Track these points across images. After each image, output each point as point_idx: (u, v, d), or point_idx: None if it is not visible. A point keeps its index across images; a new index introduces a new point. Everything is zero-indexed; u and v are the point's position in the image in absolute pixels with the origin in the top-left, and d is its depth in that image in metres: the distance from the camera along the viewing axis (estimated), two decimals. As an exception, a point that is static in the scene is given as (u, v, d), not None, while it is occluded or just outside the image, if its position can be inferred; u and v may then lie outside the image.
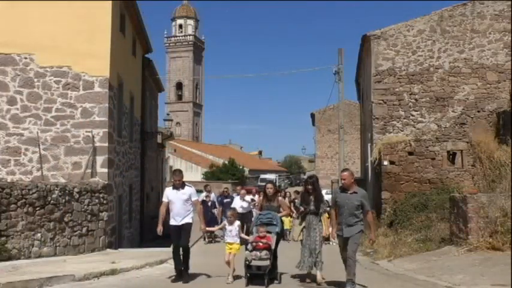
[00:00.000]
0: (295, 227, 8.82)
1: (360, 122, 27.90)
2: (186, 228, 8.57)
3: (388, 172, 16.09)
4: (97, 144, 13.07)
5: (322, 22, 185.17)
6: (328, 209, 8.65)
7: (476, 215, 9.71)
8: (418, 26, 17.77)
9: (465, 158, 15.82)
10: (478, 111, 17.25)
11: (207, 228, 9.09)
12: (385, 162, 16.16)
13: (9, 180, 11.56)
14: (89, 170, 12.96)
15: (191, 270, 8.94)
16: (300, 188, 28.82)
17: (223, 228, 8.95)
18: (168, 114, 31.96)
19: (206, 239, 16.28)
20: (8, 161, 12.97)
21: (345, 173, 7.79)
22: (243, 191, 16.35)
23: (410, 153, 16.06)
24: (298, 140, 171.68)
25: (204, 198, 17.04)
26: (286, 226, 16.46)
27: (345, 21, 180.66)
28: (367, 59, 19.42)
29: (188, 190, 8.63)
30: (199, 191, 18.46)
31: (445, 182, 15.54)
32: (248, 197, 15.81)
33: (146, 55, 20.06)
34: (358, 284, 7.57)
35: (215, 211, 16.71)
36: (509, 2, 17.22)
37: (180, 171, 8.91)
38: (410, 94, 17.63)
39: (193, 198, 8.70)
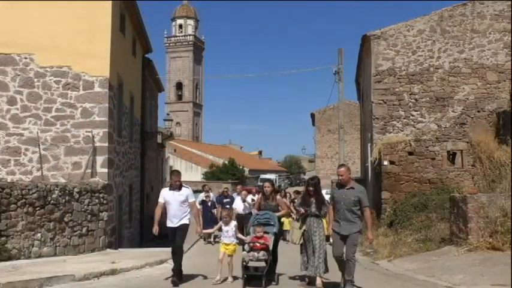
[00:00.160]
0: (295, 229, 8.57)
1: (360, 122, 27.90)
2: (181, 228, 8.39)
3: (388, 172, 16.09)
4: (97, 144, 13.08)
5: (322, 22, 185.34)
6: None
7: (476, 215, 9.71)
8: (418, 26, 17.76)
9: (465, 158, 15.82)
10: (478, 111, 17.25)
11: (204, 231, 8.91)
12: (385, 162, 16.16)
13: (9, 180, 11.56)
14: (89, 170, 12.96)
15: (190, 270, 8.94)
16: (300, 188, 28.85)
17: (219, 229, 8.80)
18: (168, 114, 31.96)
19: (206, 239, 16.25)
20: (8, 161, 12.97)
21: (342, 169, 7.67)
22: (244, 192, 16.16)
23: (410, 153, 16.06)
24: (298, 140, 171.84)
25: (204, 199, 17.04)
26: (286, 227, 16.45)
27: (345, 21, 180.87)
28: (367, 59, 19.42)
29: (185, 191, 8.46)
30: (199, 191, 18.54)
31: (445, 182, 15.53)
32: (249, 198, 15.58)
33: (146, 55, 20.07)
34: (356, 286, 7.50)
35: (215, 211, 16.65)
36: (509, 2, 17.21)
37: (178, 172, 8.77)
38: (410, 94, 17.63)
39: (190, 200, 8.52)
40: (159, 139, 24.74)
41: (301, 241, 8.36)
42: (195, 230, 8.79)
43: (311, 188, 8.34)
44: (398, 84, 17.67)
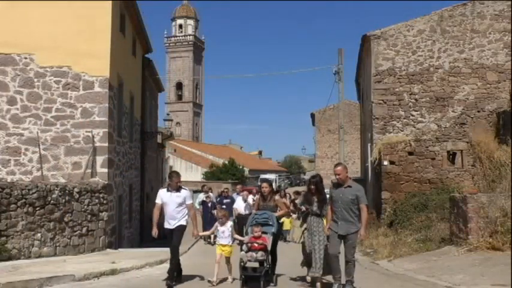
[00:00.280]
0: (296, 228, 8.52)
1: (360, 122, 27.90)
2: (178, 229, 8.25)
3: (388, 172, 16.09)
4: (97, 144, 13.08)
5: (322, 22, 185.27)
6: None
7: (476, 215, 9.71)
8: (418, 26, 17.77)
9: (465, 158, 15.82)
10: (478, 111, 17.26)
11: (200, 233, 8.74)
12: (385, 162, 16.16)
13: (9, 180, 11.57)
14: (89, 170, 12.97)
15: (190, 270, 8.93)
16: (300, 188, 28.83)
17: (215, 231, 8.62)
18: (168, 114, 31.95)
19: (205, 239, 16.24)
20: (8, 161, 12.98)
21: (339, 168, 7.57)
22: (245, 192, 16.11)
23: (410, 153, 16.06)
24: (298, 140, 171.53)
25: (204, 199, 17.02)
26: (287, 227, 16.43)
27: (345, 21, 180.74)
28: (367, 59, 19.43)
29: (183, 193, 8.30)
30: (199, 191, 18.54)
31: (445, 182, 15.54)
32: (250, 198, 15.52)
33: (146, 55, 20.08)
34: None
35: (215, 212, 16.55)
36: (509, 2, 17.22)
37: (178, 174, 8.58)
38: (410, 94, 17.64)
39: (188, 202, 8.36)
40: (159, 139, 24.75)
41: (302, 239, 8.27)
42: (191, 232, 8.62)
43: (312, 187, 8.22)
44: (398, 84, 17.68)
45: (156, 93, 25.22)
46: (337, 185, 7.60)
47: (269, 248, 7.94)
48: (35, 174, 12.91)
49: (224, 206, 15.44)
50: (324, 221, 8.16)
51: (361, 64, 23.07)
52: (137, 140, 18.59)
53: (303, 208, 8.31)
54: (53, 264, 9.63)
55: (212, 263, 8.41)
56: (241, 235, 10.24)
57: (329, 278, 8.05)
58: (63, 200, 11.27)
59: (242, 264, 7.75)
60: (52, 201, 10.92)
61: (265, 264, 7.83)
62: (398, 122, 17.60)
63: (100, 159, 13.11)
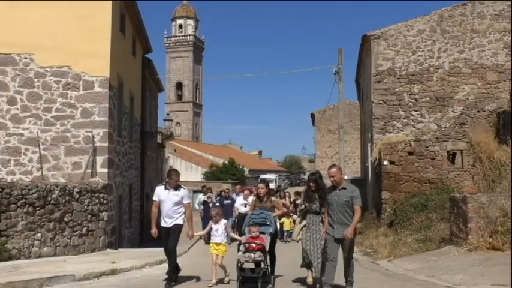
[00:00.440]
0: (297, 226, 8.42)
1: (360, 122, 27.90)
2: (174, 229, 8.14)
3: (388, 172, 16.09)
4: (97, 144, 13.08)
5: (323, 22, 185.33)
6: None
7: (476, 215, 9.70)
8: (418, 26, 17.77)
9: (465, 158, 15.82)
10: (478, 111, 17.25)
11: (195, 234, 8.53)
12: (385, 162, 16.16)
13: (9, 180, 11.57)
14: (89, 170, 12.97)
15: (190, 270, 8.93)
16: (300, 188, 28.82)
17: (209, 230, 8.45)
18: (168, 114, 31.96)
19: (206, 240, 16.22)
20: (8, 161, 12.98)
21: (333, 169, 7.34)
22: (246, 192, 16.10)
23: (410, 153, 16.06)
24: (298, 140, 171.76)
25: (205, 199, 17.02)
26: (287, 227, 16.45)
27: (345, 21, 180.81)
28: (367, 59, 19.43)
29: (181, 192, 8.17)
30: (199, 191, 18.53)
31: (445, 182, 15.53)
32: (251, 198, 15.48)
33: (146, 55, 20.07)
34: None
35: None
36: (509, 2, 17.21)
37: (177, 172, 8.47)
38: (410, 94, 17.64)
39: (185, 201, 8.23)
40: (159, 139, 24.74)
41: (300, 236, 8.10)
42: (186, 233, 8.43)
43: (312, 184, 8.04)
44: (398, 84, 17.67)
45: (156, 93, 25.22)
46: (331, 188, 7.44)
47: (267, 248, 7.79)
48: (35, 174, 12.91)
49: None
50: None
51: (361, 64, 23.06)
52: (137, 140, 18.59)
53: (302, 206, 8.19)
54: (53, 264, 9.63)
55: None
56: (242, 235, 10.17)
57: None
58: (63, 200, 11.27)
59: (239, 265, 7.59)
60: (52, 201, 10.92)
61: (262, 265, 7.68)
62: (398, 122, 17.60)
63: (100, 159, 13.11)
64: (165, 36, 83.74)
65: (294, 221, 10.84)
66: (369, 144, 18.71)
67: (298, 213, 8.62)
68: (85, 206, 12.01)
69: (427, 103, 17.53)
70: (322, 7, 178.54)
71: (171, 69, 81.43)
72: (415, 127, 17.52)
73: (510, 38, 17.18)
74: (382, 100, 17.71)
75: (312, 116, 49.14)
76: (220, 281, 8.21)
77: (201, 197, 17.78)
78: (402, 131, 17.45)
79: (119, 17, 14.72)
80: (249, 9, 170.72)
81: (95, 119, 13.14)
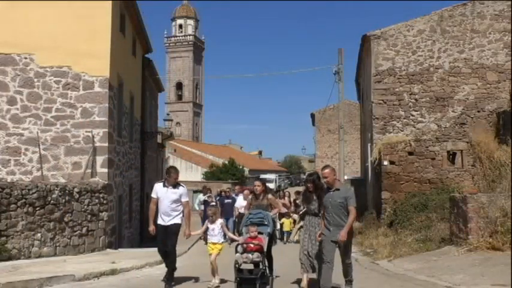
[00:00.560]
0: (294, 226, 8.34)
1: (360, 122, 27.90)
2: (172, 229, 8.02)
3: (388, 172, 16.09)
4: (97, 144, 13.08)
5: (323, 22, 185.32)
6: None
7: (476, 215, 9.70)
8: (418, 26, 17.77)
9: (465, 158, 15.82)
10: (478, 111, 17.26)
11: (192, 233, 8.39)
12: (385, 162, 16.16)
13: (9, 180, 11.57)
14: (89, 170, 12.97)
15: (190, 270, 8.92)
16: (300, 188, 28.82)
17: (205, 229, 8.31)
18: (168, 114, 31.96)
19: (206, 240, 16.22)
20: (8, 161, 12.98)
21: (326, 170, 7.19)
22: (246, 191, 16.09)
23: (410, 153, 16.07)
24: (298, 140, 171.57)
25: (206, 199, 17.02)
26: (286, 228, 16.44)
27: (345, 21, 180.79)
28: (367, 59, 19.43)
29: (180, 190, 8.07)
30: (199, 191, 18.52)
31: (445, 182, 15.54)
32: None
33: (146, 55, 20.08)
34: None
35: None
36: (509, 2, 17.22)
37: (176, 169, 8.32)
38: (410, 94, 17.64)
39: (184, 199, 8.12)
40: (159, 139, 24.74)
41: (297, 237, 8.09)
42: (183, 232, 8.27)
43: (309, 185, 7.94)
44: (398, 84, 17.68)
45: (156, 93, 25.22)
46: (326, 189, 7.32)
47: (265, 248, 7.63)
48: (35, 174, 12.91)
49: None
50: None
51: (361, 64, 23.07)
52: (137, 140, 18.60)
53: (301, 207, 8.11)
54: (53, 264, 9.63)
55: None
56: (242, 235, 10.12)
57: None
58: (63, 200, 11.27)
59: (237, 266, 7.45)
60: (52, 201, 10.92)
61: (261, 266, 7.51)
62: (398, 122, 17.60)
63: (100, 159, 13.11)
64: (165, 36, 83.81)
65: (295, 221, 10.81)
66: (369, 144, 18.72)
67: (297, 214, 8.54)
68: (85, 206, 12.01)
69: (427, 103, 17.53)
70: (322, 7, 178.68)
71: (171, 69, 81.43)
72: (415, 127, 17.52)
73: (510, 38, 17.18)
74: (382, 100, 17.72)
75: (312, 116, 49.13)
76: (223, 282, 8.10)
77: (201, 197, 17.79)
78: (402, 131, 17.46)
79: (119, 17, 14.72)
80: (249, 9, 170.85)
81: (95, 119, 13.14)
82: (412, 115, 17.58)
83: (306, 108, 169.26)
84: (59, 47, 13.09)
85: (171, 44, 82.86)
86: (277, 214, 14.32)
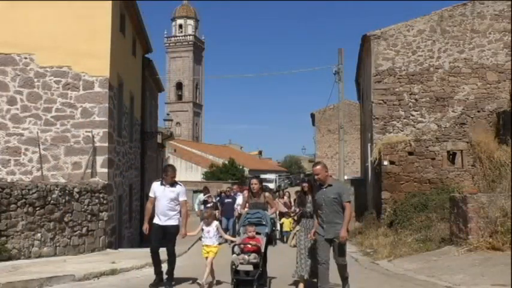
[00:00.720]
0: (291, 230, 8.15)
1: (360, 122, 27.91)
2: (171, 231, 7.90)
3: (388, 172, 16.09)
4: (97, 144, 13.08)
5: (323, 22, 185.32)
6: None
7: (476, 215, 9.70)
8: (418, 26, 17.78)
9: (465, 158, 15.83)
10: (478, 111, 17.27)
11: (188, 233, 8.09)
12: (385, 162, 16.17)
13: (9, 180, 11.56)
14: (89, 170, 12.96)
15: (190, 270, 8.91)
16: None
17: (200, 231, 8.12)
18: (168, 114, 31.97)
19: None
20: (8, 161, 12.97)
21: (318, 167, 7.04)
22: (245, 191, 16.03)
23: (410, 153, 16.07)
24: (298, 140, 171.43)
25: (206, 199, 17.01)
26: (286, 228, 16.42)
27: (345, 21, 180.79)
28: (367, 59, 19.43)
29: (177, 189, 7.92)
30: (199, 191, 18.51)
31: (445, 182, 15.54)
32: None
33: (146, 55, 20.07)
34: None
35: (216, 212, 16.47)
36: (509, 2, 17.22)
37: (173, 168, 8.22)
38: (410, 94, 17.64)
39: (181, 198, 7.97)
40: (159, 139, 24.74)
41: (294, 242, 7.89)
42: (180, 232, 8.09)
43: (305, 184, 7.80)
44: (398, 84, 17.68)
45: (156, 93, 25.22)
46: (318, 187, 7.15)
47: (262, 249, 7.48)
48: (35, 174, 12.91)
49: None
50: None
51: (361, 64, 23.07)
52: (137, 140, 18.60)
53: (297, 210, 8.00)
54: (53, 264, 9.63)
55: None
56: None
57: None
58: (63, 200, 11.27)
59: (234, 267, 7.31)
60: (52, 201, 10.92)
61: (257, 267, 7.33)
62: (398, 122, 17.61)
63: (100, 159, 13.11)
64: (165, 36, 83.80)
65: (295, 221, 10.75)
66: (369, 144, 18.72)
67: (291, 216, 8.38)
68: (85, 206, 12.01)
69: (427, 103, 17.54)
70: (322, 7, 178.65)
71: (171, 69, 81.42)
72: (415, 127, 17.52)
73: (510, 38, 17.18)
74: (382, 100, 17.72)
75: (312, 116, 49.12)
76: (212, 283, 7.99)
77: (201, 197, 17.79)
78: (402, 131, 17.47)
79: (119, 17, 14.72)
80: (249, 9, 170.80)
81: (95, 119, 13.14)
82: (412, 115, 17.58)
83: (306, 108, 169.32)
84: (59, 47, 13.09)
85: (171, 44, 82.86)
86: (278, 214, 14.41)
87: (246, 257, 7.30)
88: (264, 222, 7.74)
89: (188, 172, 52.32)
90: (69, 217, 11.47)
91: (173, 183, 7.94)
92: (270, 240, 8.13)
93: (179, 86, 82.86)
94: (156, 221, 7.94)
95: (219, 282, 8.13)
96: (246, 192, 16.16)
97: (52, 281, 7.99)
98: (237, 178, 48.91)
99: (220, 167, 53.34)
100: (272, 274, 8.31)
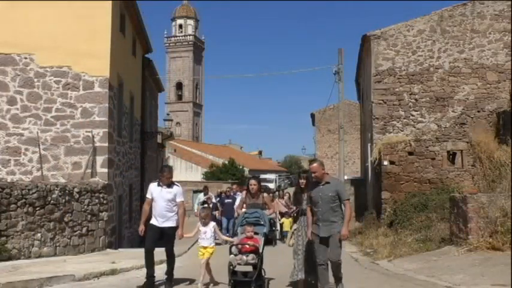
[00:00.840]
0: (289, 230, 8.07)
1: (360, 122, 27.91)
2: (169, 232, 7.84)
3: (388, 172, 16.10)
4: (97, 144, 13.08)
5: (323, 22, 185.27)
6: None
7: (476, 215, 9.70)
8: (418, 26, 17.78)
9: (465, 158, 15.83)
10: (478, 111, 17.27)
11: (185, 235, 8.03)
12: (385, 162, 16.17)
13: (9, 180, 11.57)
14: (89, 170, 12.97)
15: (190, 271, 8.91)
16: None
17: (198, 231, 8.03)
18: (168, 114, 31.97)
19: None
20: (8, 161, 12.98)
21: (314, 165, 6.93)
22: (243, 192, 16.02)
23: (410, 153, 16.07)
24: (298, 140, 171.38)
25: (205, 199, 17.00)
26: (286, 228, 16.41)
27: (345, 21, 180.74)
28: (367, 59, 19.43)
29: (174, 189, 7.82)
30: (199, 191, 18.50)
31: (445, 182, 15.54)
32: None
33: (146, 55, 20.09)
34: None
35: (216, 213, 16.46)
36: (509, 2, 17.23)
37: (170, 168, 8.15)
38: (410, 94, 17.65)
39: (178, 199, 7.88)
40: (159, 139, 24.75)
41: (293, 241, 7.79)
42: (176, 232, 8.01)
43: (302, 181, 7.65)
44: (398, 84, 17.69)
45: (156, 93, 25.23)
46: (314, 184, 7.03)
47: (261, 250, 7.32)
48: (35, 174, 12.91)
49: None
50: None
51: (361, 64, 23.07)
52: (137, 140, 18.60)
53: (293, 208, 7.93)
54: (53, 264, 9.63)
55: (211, 262, 8.11)
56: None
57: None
58: (63, 200, 11.27)
59: (231, 268, 7.18)
60: (52, 201, 10.92)
61: (255, 268, 7.19)
62: (398, 122, 17.61)
63: (100, 159, 13.11)
64: (165, 36, 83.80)
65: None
66: (369, 144, 18.72)
67: (290, 216, 8.27)
68: (85, 206, 12.01)
69: (427, 103, 17.54)
70: (322, 7, 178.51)
71: (171, 69, 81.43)
72: (415, 127, 17.53)
73: (510, 38, 17.19)
74: (382, 100, 17.72)
75: (312, 116, 49.11)
76: (208, 285, 7.94)
77: (201, 197, 17.78)
78: (402, 131, 17.47)
79: (119, 17, 14.72)
80: (249, 9, 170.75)
81: (95, 119, 13.14)
82: (412, 115, 17.59)
83: (306, 108, 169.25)
84: (59, 47, 13.10)
85: (171, 44, 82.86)
86: (278, 214, 14.40)
87: (244, 257, 7.17)
88: (262, 222, 7.64)
89: (188, 172, 52.33)
90: (69, 217, 11.47)
91: (170, 184, 7.84)
92: (269, 240, 8.07)
93: (179, 86, 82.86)
94: (153, 222, 7.85)
95: (216, 283, 8.07)
96: (244, 192, 16.19)
97: (52, 281, 7.99)
98: (237, 178, 48.88)
99: (220, 167, 53.32)
100: (272, 274, 8.26)
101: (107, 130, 13.19)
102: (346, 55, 34.43)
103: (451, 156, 16.02)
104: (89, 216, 12.15)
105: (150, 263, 7.88)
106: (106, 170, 13.13)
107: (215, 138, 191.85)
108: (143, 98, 19.53)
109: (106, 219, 12.75)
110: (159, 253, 8.80)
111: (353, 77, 28.31)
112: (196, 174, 52.76)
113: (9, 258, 9.67)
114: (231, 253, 7.30)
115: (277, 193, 18.99)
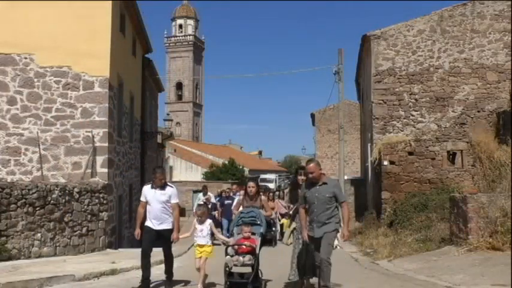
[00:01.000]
0: (288, 229, 8.01)
1: (360, 122, 27.91)
2: (165, 235, 7.79)
3: (388, 172, 16.10)
4: (97, 144, 13.08)
5: (322, 22, 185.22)
6: None
7: (476, 215, 9.71)
8: (418, 26, 17.78)
9: (465, 158, 15.83)
10: (478, 111, 17.28)
11: (181, 236, 7.93)
12: (385, 162, 16.17)
13: (9, 180, 11.57)
14: (89, 170, 12.97)
15: (189, 271, 8.90)
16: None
17: (194, 231, 7.87)
18: (168, 114, 31.98)
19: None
20: (8, 161, 12.98)
21: (311, 165, 6.79)
22: (241, 192, 16.00)
23: (410, 153, 16.08)
24: (298, 140, 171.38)
25: (204, 200, 16.96)
26: (286, 228, 16.39)
27: (345, 21, 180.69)
28: (367, 59, 19.43)
29: (168, 191, 7.73)
30: (199, 191, 18.46)
31: (445, 182, 15.55)
32: None
33: (146, 55, 20.08)
34: None
35: (215, 213, 16.45)
36: (509, 2, 17.23)
37: (162, 169, 8.08)
38: (410, 94, 17.65)
39: (173, 201, 7.77)
40: (159, 139, 24.75)
41: (291, 240, 7.73)
42: (171, 235, 7.91)
43: (301, 177, 7.49)
44: (398, 84, 17.69)
45: (156, 93, 25.22)
46: (310, 184, 6.88)
47: (257, 250, 7.19)
48: (35, 174, 12.91)
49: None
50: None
51: (361, 64, 23.07)
52: (137, 140, 18.60)
53: (291, 206, 7.86)
54: (53, 264, 9.63)
55: (211, 263, 8.00)
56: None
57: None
58: (63, 200, 11.27)
59: (227, 269, 7.03)
60: (52, 201, 10.92)
61: (252, 269, 7.07)
62: (398, 122, 17.61)
63: (100, 159, 13.11)
64: (165, 36, 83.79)
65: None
66: (369, 144, 18.72)
67: (287, 216, 8.23)
68: (85, 206, 12.01)
69: (427, 103, 17.54)
70: (322, 7, 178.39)
71: (171, 69, 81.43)
72: (415, 127, 17.53)
73: (510, 38, 17.19)
74: (382, 100, 17.72)
75: (312, 116, 49.10)
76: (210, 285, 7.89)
77: (201, 196, 17.77)
78: (402, 131, 17.47)
79: (119, 17, 14.72)
80: (249, 9, 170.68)
81: (95, 119, 13.14)
82: (412, 115, 17.59)
83: (306, 108, 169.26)
84: (59, 47, 13.09)
85: (171, 44, 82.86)
86: (278, 214, 14.38)
87: (240, 258, 7.03)
88: (258, 222, 7.53)
89: (188, 172, 52.34)
90: (69, 217, 11.47)
91: (163, 186, 7.75)
92: (269, 240, 8.01)
93: (179, 86, 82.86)
94: (148, 223, 7.79)
95: (212, 285, 8.01)
96: (241, 193, 16.13)
97: (52, 281, 7.99)
98: (237, 178, 48.84)
99: (220, 167, 53.30)
100: (271, 275, 8.25)
101: (106, 130, 13.19)
102: (346, 55, 34.39)
103: (451, 156, 16.02)
104: (89, 216, 12.15)
105: (146, 265, 7.82)
106: (106, 170, 13.13)
107: (215, 138, 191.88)
108: (143, 98, 19.53)
109: (106, 219, 12.75)
110: (158, 253, 8.81)
111: (353, 77, 28.35)
112: (196, 174, 52.76)
113: (9, 258, 9.66)
114: (227, 254, 7.17)
115: (277, 193, 18.98)
